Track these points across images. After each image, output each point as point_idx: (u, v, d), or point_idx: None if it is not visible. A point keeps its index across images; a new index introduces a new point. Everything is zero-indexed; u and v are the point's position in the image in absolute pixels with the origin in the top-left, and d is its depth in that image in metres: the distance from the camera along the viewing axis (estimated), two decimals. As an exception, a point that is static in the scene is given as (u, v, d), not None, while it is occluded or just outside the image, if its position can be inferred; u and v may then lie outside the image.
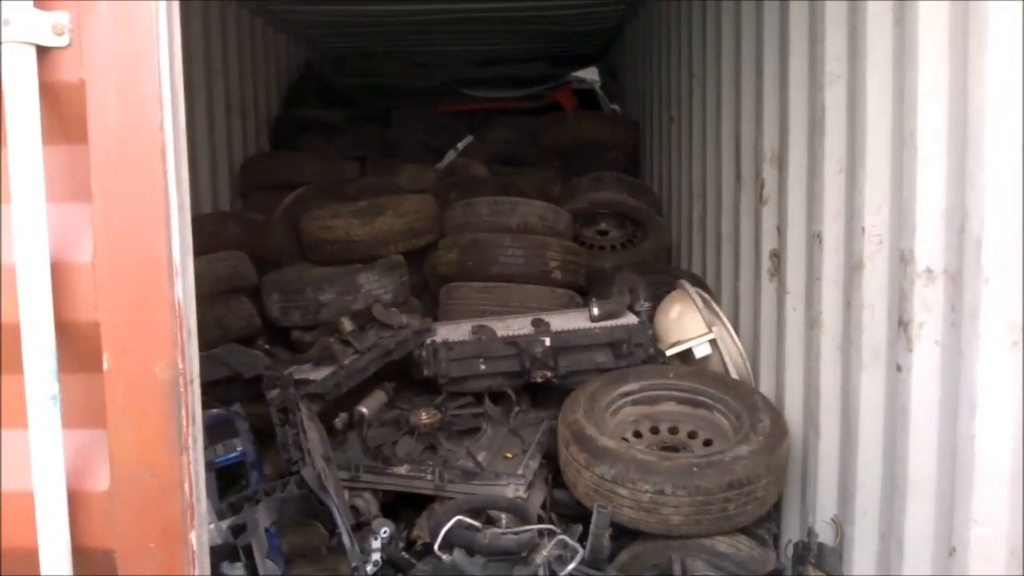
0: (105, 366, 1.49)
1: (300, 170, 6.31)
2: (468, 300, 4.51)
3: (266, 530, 2.58)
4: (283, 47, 7.87)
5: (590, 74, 7.49)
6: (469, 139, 6.99)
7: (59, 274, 1.47)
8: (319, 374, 3.71)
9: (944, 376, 2.26)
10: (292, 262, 5.13)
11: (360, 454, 3.55)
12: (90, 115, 1.45)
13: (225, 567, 2.51)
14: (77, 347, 1.49)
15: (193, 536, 1.54)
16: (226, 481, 3.07)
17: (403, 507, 3.50)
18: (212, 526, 2.51)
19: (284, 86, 7.93)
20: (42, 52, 1.42)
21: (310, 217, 4.97)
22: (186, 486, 1.52)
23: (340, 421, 3.71)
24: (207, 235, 4.76)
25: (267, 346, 4.07)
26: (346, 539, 2.62)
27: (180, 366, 1.50)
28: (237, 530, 2.54)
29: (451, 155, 6.89)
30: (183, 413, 1.51)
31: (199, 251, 4.70)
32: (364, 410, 3.72)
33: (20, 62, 1.40)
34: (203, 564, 1.59)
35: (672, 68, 5.76)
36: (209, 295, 4.40)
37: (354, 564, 2.59)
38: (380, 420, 3.78)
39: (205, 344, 3.26)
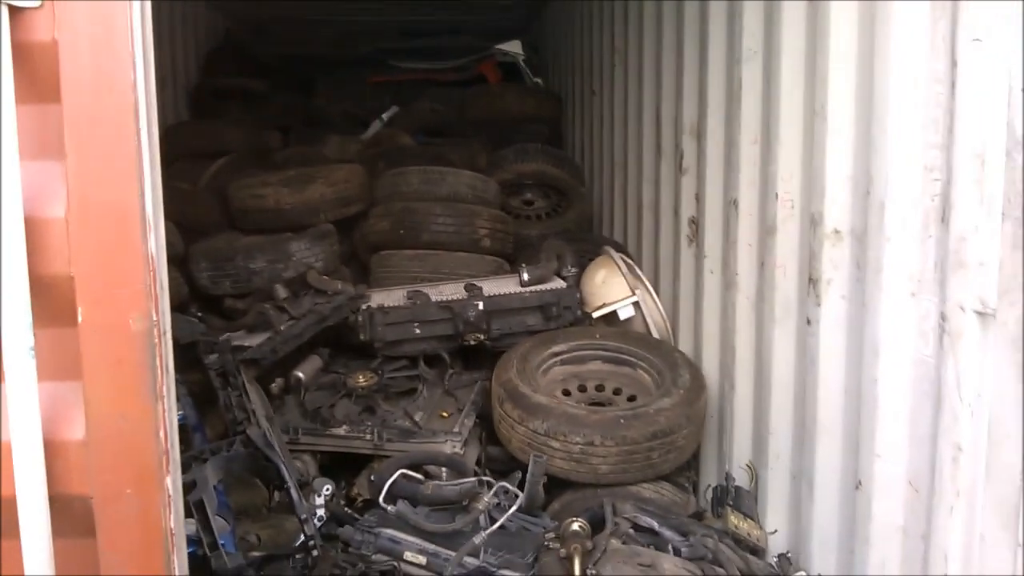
0: (80, 319, 1.55)
1: (224, 139, 6.23)
2: (400, 267, 4.59)
3: (214, 487, 2.65)
4: (202, 14, 7.69)
5: (514, 47, 7.59)
6: (394, 110, 7.01)
7: (33, 229, 1.51)
8: (254, 340, 3.74)
9: (849, 327, 2.48)
10: (219, 231, 5.10)
11: (298, 417, 3.62)
12: (63, 74, 1.49)
13: (176, 523, 2.57)
14: (52, 301, 1.54)
15: (168, 481, 1.62)
16: (168, 444, 3.10)
17: (340, 469, 3.60)
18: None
19: (203, 54, 7.75)
20: (15, 12, 1.46)
21: (239, 186, 4.94)
22: (161, 433, 1.60)
23: (276, 386, 3.75)
24: (132, 203, 4.69)
25: (199, 314, 4.07)
26: (294, 493, 2.71)
27: (154, 318, 1.57)
28: (186, 488, 2.59)
29: (376, 126, 6.91)
30: (157, 363, 1.58)
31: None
32: (300, 375, 3.78)
33: (-7, 23, 1.44)
34: (178, 508, 1.67)
35: (594, 43, 5.92)
36: (136, 264, 4.36)
37: (303, 516, 2.67)
38: (317, 384, 3.86)
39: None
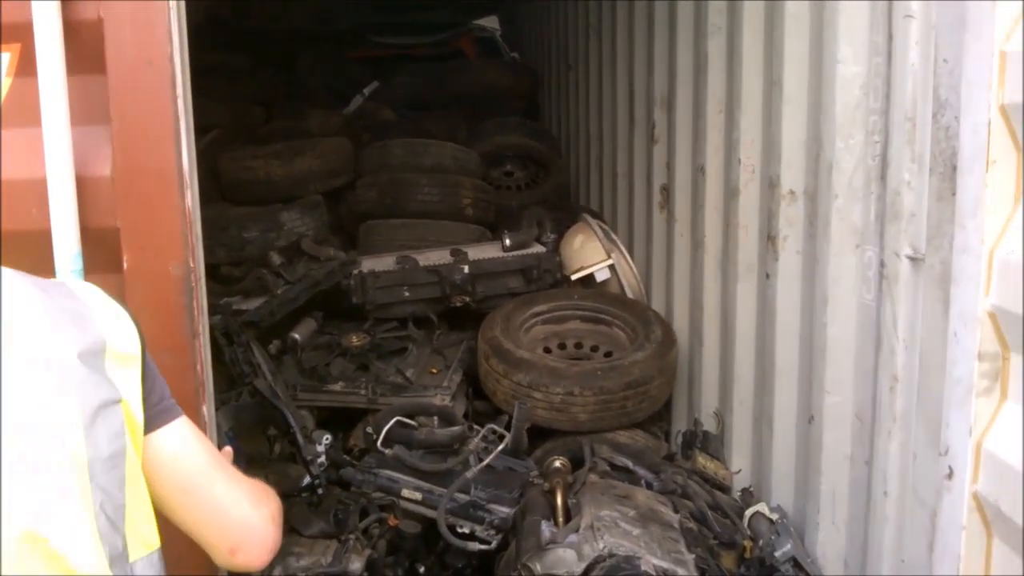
0: (125, 266, 1.77)
1: (208, 114, 6.35)
2: (387, 235, 4.80)
3: (226, 434, 2.87)
4: (182, -11, 7.77)
5: (491, 22, 7.77)
6: (375, 84, 7.17)
7: (83, 186, 1.72)
8: (252, 304, 3.96)
9: (803, 279, 2.74)
10: (209, 203, 5.27)
11: (296, 375, 3.83)
12: (107, 49, 1.70)
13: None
14: (100, 250, 1.76)
15: (204, 408, 1.84)
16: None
17: (336, 424, 3.82)
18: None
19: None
20: (66, -5, 1.67)
21: (230, 159, 5.12)
22: (198, 367, 1.82)
23: (274, 347, 3.97)
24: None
25: (197, 280, 4.25)
26: (299, 437, 2.94)
27: (191, 264, 1.79)
28: (200, 433, 2.81)
29: (358, 100, 7.07)
30: (194, 304, 1.80)
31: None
32: (297, 336, 3.99)
33: (47, 4, 1.64)
34: (212, 435, 1.89)
35: (569, 18, 6.13)
36: (133, 233, 4.54)
37: (308, 457, 2.90)
38: (313, 345, 4.07)
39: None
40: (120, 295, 1.77)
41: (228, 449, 1.59)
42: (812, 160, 2.62)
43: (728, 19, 3.17)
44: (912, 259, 2.10)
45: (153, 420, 1.29)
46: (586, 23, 5.59)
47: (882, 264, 2.26)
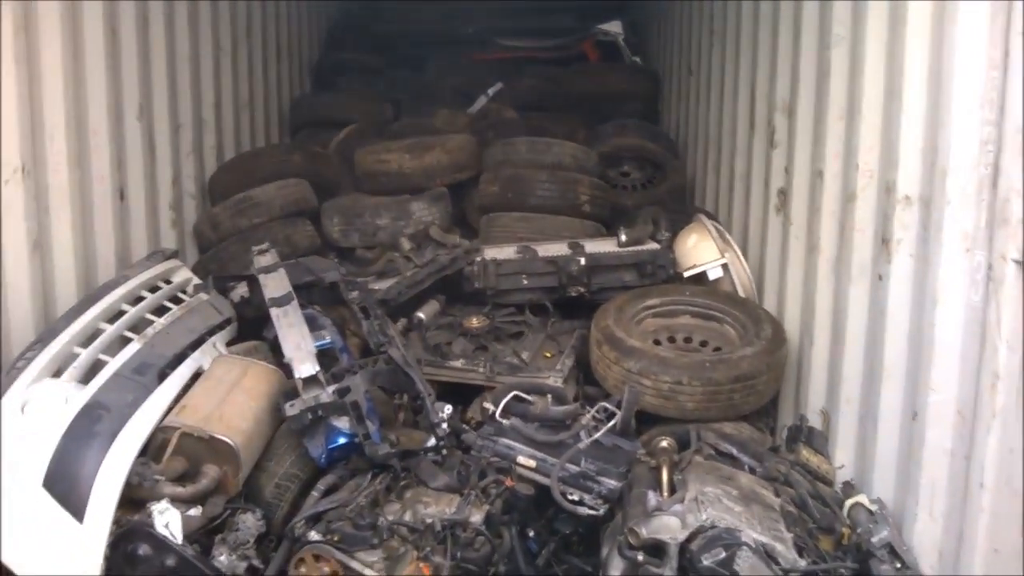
0: None
1: (346, 109, 6.84)
2: (507, 227, 5.06)
3: (364, 395, 3.18)
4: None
5: (614, 27, 7.93)
6: (499, 86, 7.46)
7: None
8: (383, 285, 4.31)
9: (914, 280, 2.84)
10: (345, 191, 5.70)
11: (420, 351, 4.13)
12: None
13: (334, 420, 3.13)
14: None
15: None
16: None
17: (454, 399, 4.10)
18: (323, 391, 3.13)
19: (324, 31, 8.41)
20: None
21: (365, 151, 5.52)
22: None
23: (400, 325, 4.30)
24: (276, 164, 5.33)
25: (336, 260, 4.65)
26: (428, 401, 3.23)
27: None
28: (342, 393, 3.14)
29: (482, 100, 7.38)
30: None
31: (269, 178, 5.32)
32: (422, 315, 4.30)
33: None
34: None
35: (693, 25, 6.27)
36: (280, 216, 4.99)
37: (435, 420, 3.19)
38: (436, 325, 4.37)
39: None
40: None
41: None
42: (928, 167, 2.73)
43: (851, 31, 3.29)
44: (1018, 263, 2.21)
45: None
46: (709, 28, 5.73)
47: (990, 267, 2.36)
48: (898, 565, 2.68)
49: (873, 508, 2.90)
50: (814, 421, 3.63)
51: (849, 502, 2.98)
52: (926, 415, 2.71)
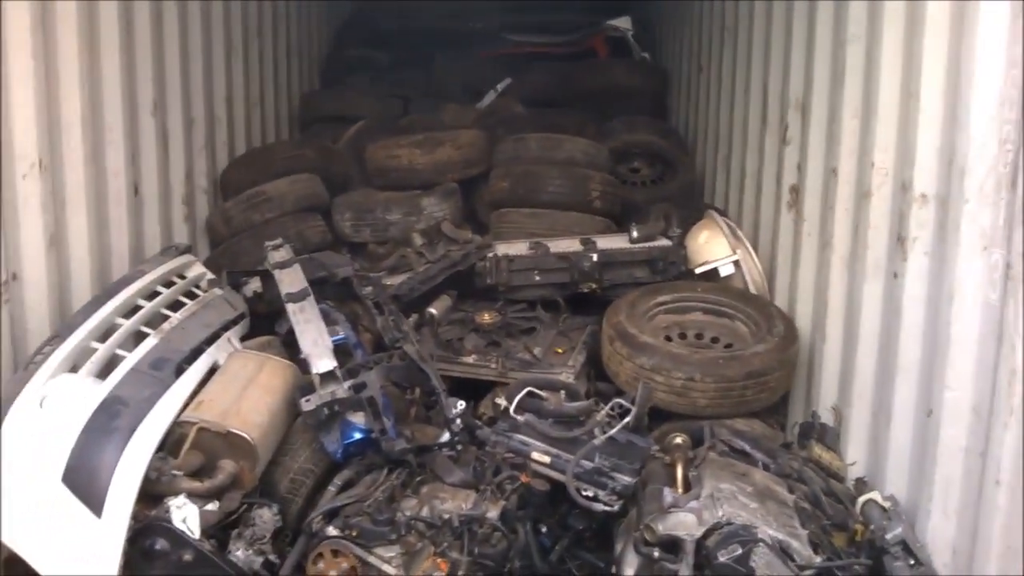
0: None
1: (355, 105, 6.86)
2: (518, 223, 5.06)
3: (379, 389, 3.20)
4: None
5: (623, 23, 7.91)
6: (508, 81, 7.47)
7: None
8: (395, 280, 4.32)
9: (930, 278, 2.84)
10: (356, 186, 5.71)
11: (432, 347, 4.14)
12: None
13: (350, 416, 3.15)
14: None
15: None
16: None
17: (462, 395, 4.10)
18: (339, 387, 3.14)
19: (333, 29, 8.42)
20: None
21: (376, 147, 5.53)
22: None
23: (412, 321, 4.31)
24: (287, 159, 5.34)
25: (348, 256, 4.66)
26: (443, 397, 3.24)
27: None
28: (358, 388, 3.15)
29: (491, 96, 7.40)
30: None
31: (281, 173, 5.32)
32: (434, 311, 4.30)
33: None
34: None
35: (704, 21, 6.26)
36: (291, 211, 5.01)
37: (449, 416, 3.20)
38: (447, 320, 4.39)
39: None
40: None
41: None
42: (945, 166, 2.73)
43: (867, 29, 3.28)
44: (1038, 261, 2.21)
45: None
46: (721, 24, 5.72)
47: (1008, 266, 2.36)
48: (912, 562, 2.69)
49: (886, 505, 2.91)
50: (826, 418, 3.64)
51: (862, 499, 2.99)
52: (941, 412, 2.71)
